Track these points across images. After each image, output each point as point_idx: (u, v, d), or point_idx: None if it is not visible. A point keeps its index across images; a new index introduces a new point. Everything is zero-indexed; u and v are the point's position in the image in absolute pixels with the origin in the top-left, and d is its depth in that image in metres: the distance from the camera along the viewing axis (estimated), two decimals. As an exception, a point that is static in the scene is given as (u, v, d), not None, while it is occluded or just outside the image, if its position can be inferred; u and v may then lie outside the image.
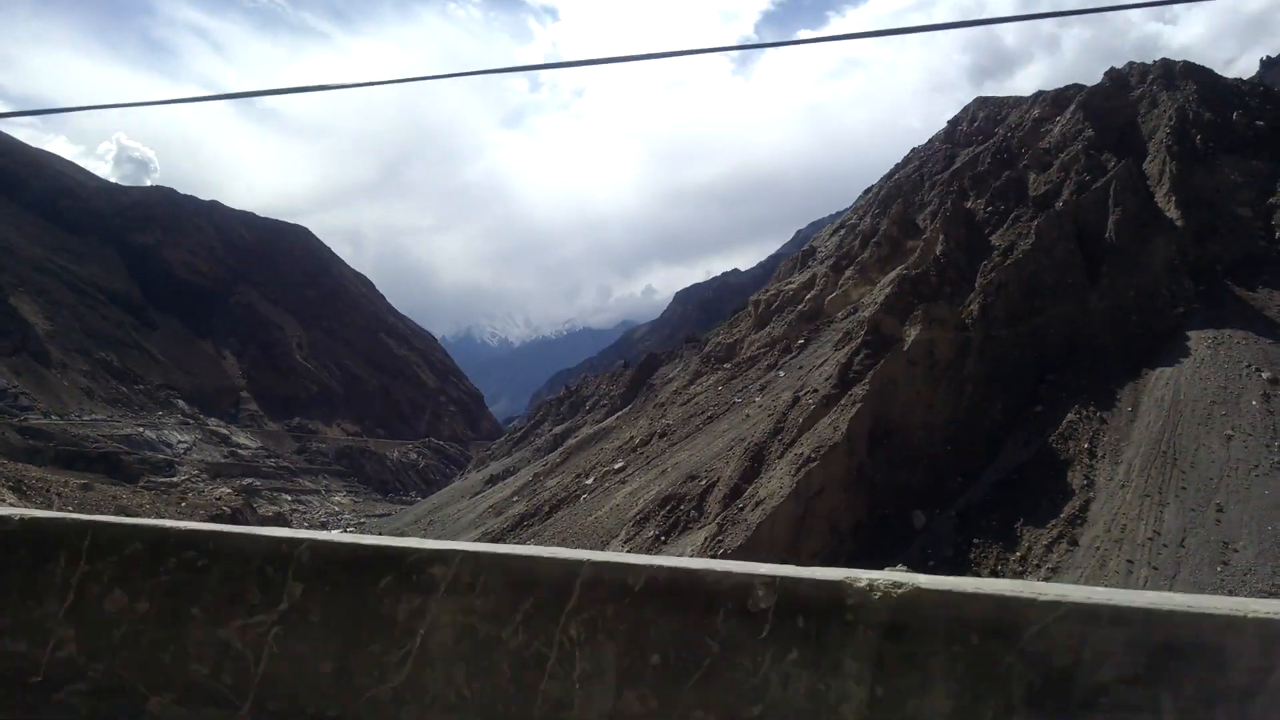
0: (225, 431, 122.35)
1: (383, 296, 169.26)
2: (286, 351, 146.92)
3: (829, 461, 36.79)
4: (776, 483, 37.21)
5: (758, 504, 36.68)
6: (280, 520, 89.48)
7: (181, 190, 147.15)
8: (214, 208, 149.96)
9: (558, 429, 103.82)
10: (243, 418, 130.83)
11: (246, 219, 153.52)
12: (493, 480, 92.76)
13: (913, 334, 40.63)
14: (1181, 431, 38.28)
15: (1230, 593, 31.76)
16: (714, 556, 35.27)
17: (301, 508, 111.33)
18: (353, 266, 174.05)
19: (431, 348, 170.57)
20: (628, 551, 40.14)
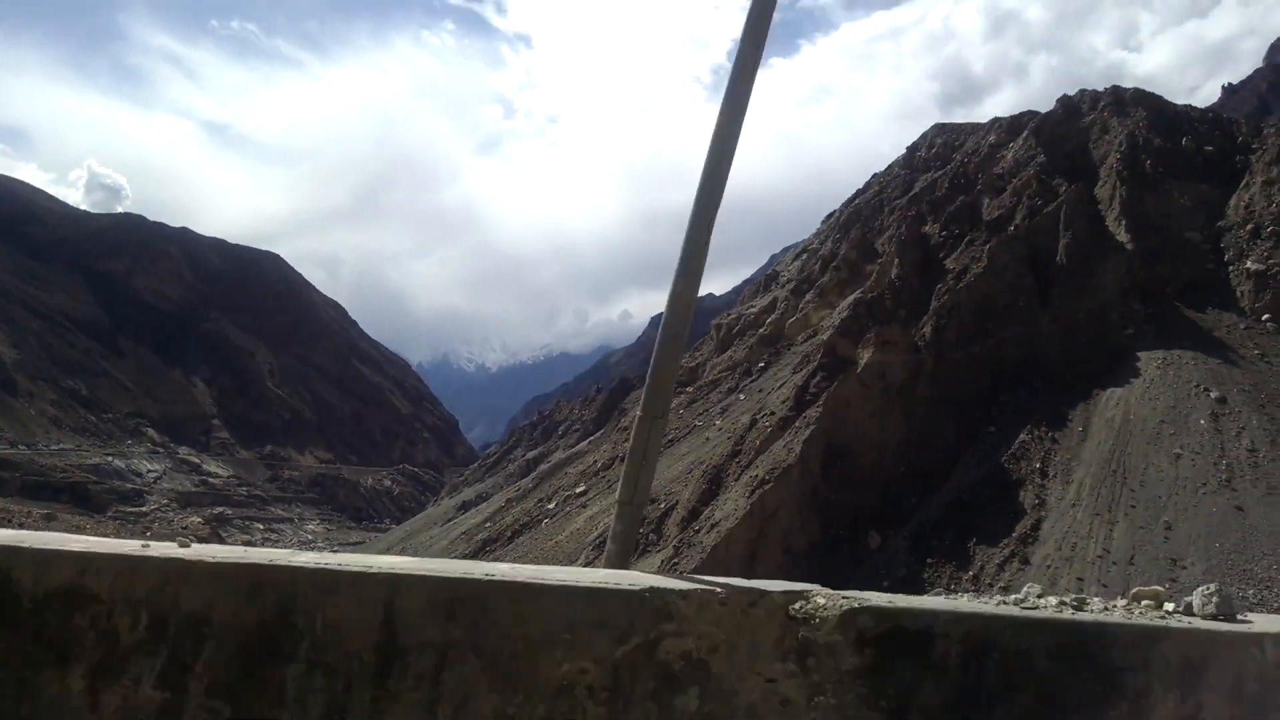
0: (196, 460, 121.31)
1: (355, 323, 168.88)
2: (258, 378, 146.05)
3: (783, 483, 37.12)
4: (731, 505, 37.51)
5: (713, 526, 36.94)
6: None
7: (154, 217, 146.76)
8: (184, 234, 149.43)
9: (531, 454, 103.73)
10: (214, 446, 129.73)
11: (217, 245, 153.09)
12: (465, 506, 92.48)
13: (865, 356, 41.14)
14: (1131, 450, 38.87)
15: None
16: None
17: (274, 536, 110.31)
18: (328, 292, 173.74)
19: (405, 374, 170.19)
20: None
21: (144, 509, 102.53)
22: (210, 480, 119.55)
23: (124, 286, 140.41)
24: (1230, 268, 48.31)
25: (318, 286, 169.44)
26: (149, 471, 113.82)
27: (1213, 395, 40.38)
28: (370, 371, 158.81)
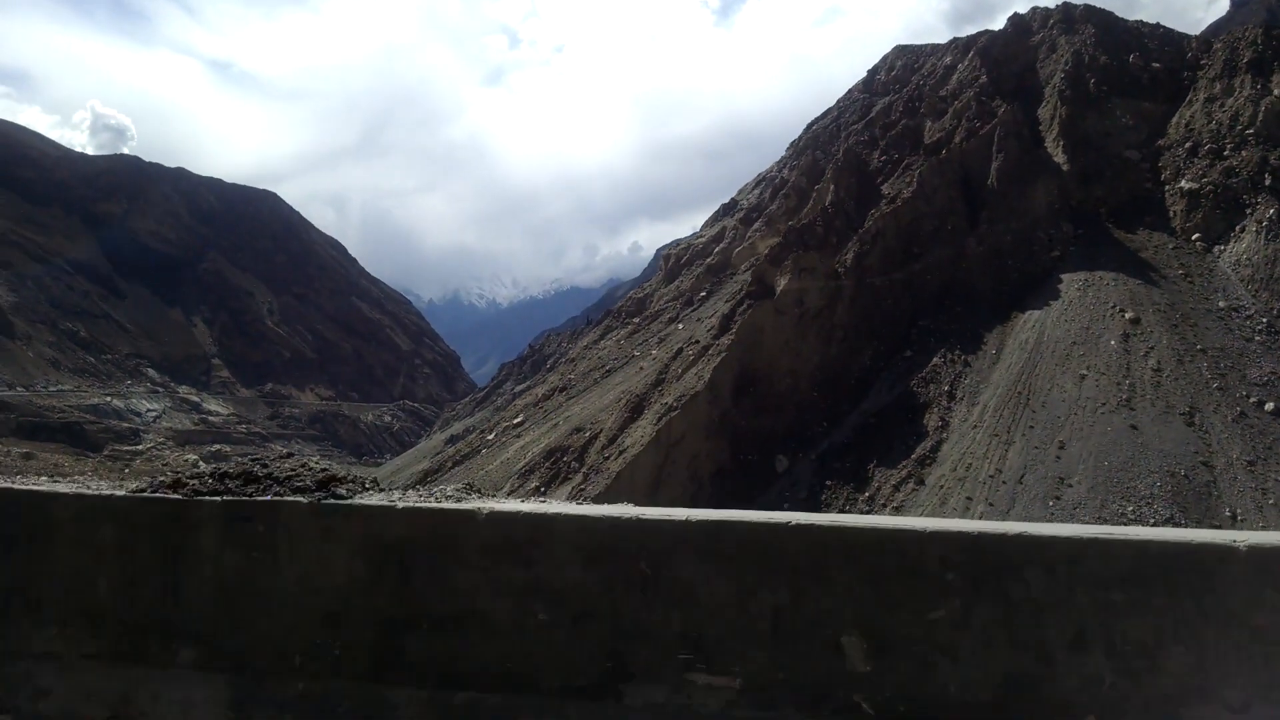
0: (196, 399, 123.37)
1: (355, 260, 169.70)
2: (257, 318, 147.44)
3: (690, 410, 37.84)
4: (640, 432, 38.32)
5: (621, 453, 37.79)
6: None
7: (161, 157, 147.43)
8: (180, 175, 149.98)
9: (519, 388, 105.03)
10: (214, 385, 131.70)
11: (214, 185, 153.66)
12: (453, 440, 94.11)
13: (782, 283, 41.46)
14: (1039, 372, 39.21)
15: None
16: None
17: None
18: (336, 231, 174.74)
19: (405, 310, 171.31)
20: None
21: (139, 447, 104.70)
22: (210, 419, 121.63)
23: (121, 228, 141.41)
24: (1166, 187, 47.88)
25: (326, 225, 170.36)
26: (148, 411, 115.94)
27: (1127, 316, 40.49)
28: (370, 308, 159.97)
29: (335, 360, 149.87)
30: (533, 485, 41.34)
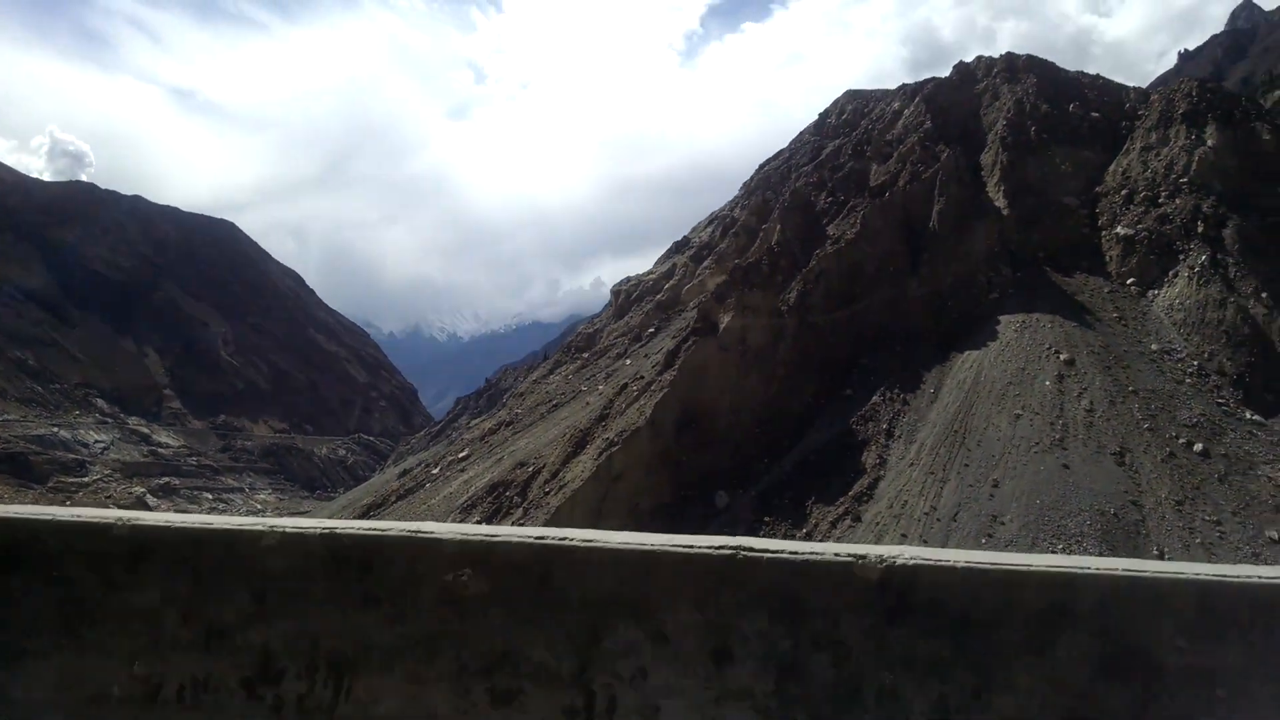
0: (146, 430, 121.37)
1: (313, 291, 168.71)
2: (211, 348, 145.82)
3: (631, 445, 37.97)
4: (581, 467, 38.35)
5: (561, 488, 37.78)
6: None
7: (120, 184, 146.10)
8: (136, 202, 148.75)
9: (475, 422, 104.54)
10: (165, 416, 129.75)
11: (170, 214, 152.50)
12: (406, 474, 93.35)
13: (725, 320, 41.88)
14: (975, 411, 39.81)
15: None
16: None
17: (223, 505, 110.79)
18: (297, 262, 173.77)
19: (363, 342, 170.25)
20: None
21: (85, 479, 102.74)
22: (159, 450, 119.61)
23: (75, 256, 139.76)
24: (1103, 233, 49.11)
25: (287, 256, 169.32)
26: (96, 442, 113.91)
27: (1062, 357, 41.30)
28: (327, 340, 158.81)
29: (290, 392, 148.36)
30: (474, 520, 41.12)
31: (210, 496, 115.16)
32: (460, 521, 41.99)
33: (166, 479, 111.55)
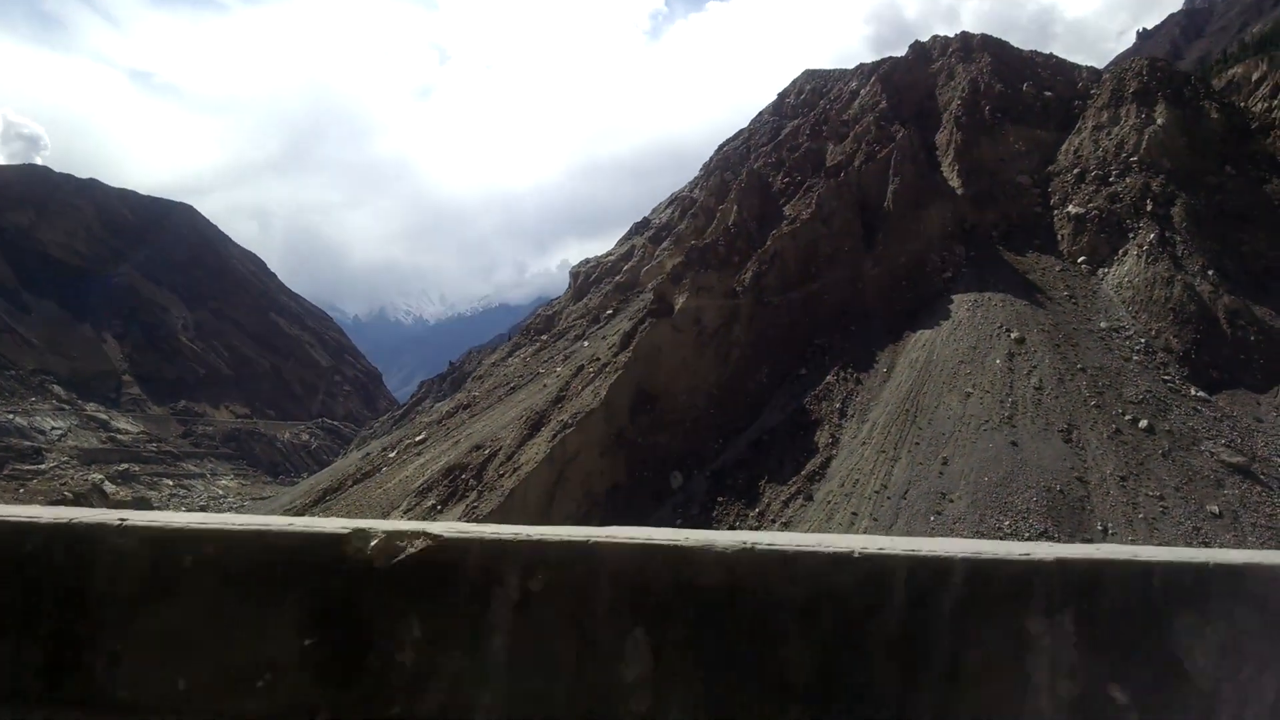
0: (104, 416, 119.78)
1: (274, 275, 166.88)
2: (171, 333, 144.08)
3: (585, 427, 37.94)
4: (535, 449, 38.28)
5: (515, 470, 37.70)
6: (140, 505, 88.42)
7: (77, 168, 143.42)
8: (92, 185, 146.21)
9: (438, 405, 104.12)
10: (125, 402, 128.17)
11: (128, 197, 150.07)
12: (365, 458, 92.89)
13: (680, 302, 41.87)
14: (927, 390, 40.13)
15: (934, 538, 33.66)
16: (468, 522, 36.34)
17: (183, 492, 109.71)
18: (260, 246, 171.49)
19: (326, 326, 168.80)
20: (403, 520, 40.99)
21: (41, 467, 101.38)
22: (118, 437, 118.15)
23: (29, 240, 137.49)
24: (1055, 211, 49.54)
25: (249, 239, 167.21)
26: (52, 429, 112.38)
27: (1013, 335, 41.71)
28: (289, 324, 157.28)
29: (252, 377, 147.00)
30: (429, 504, 41.03)
31: (170, 483, 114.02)
32: (415, 505, 41.89)
33: (125, 465, 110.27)
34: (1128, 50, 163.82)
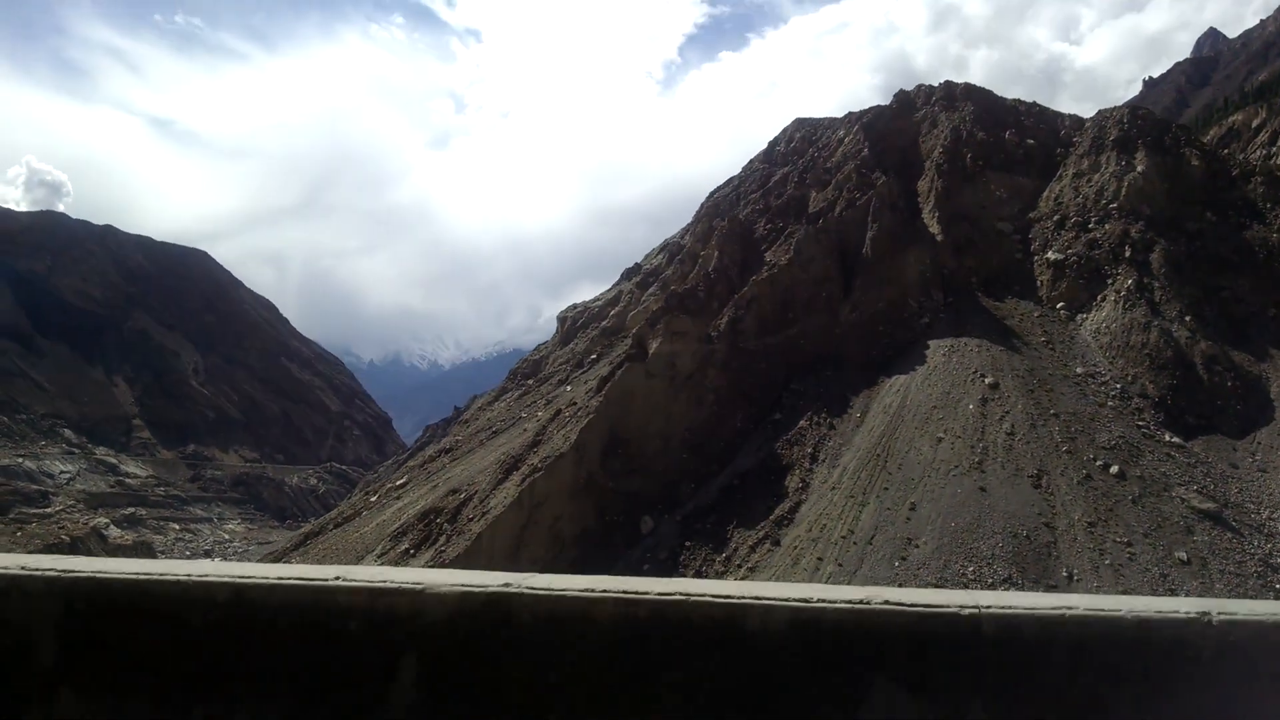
0: (113, 460, 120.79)
1: (286, 320, 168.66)
2: (182, 378, 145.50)
3: (554, 471, 38.12)
4: (505, 494, 38.46)
5: (484, 514, 37.87)
6: (143, 549, 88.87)
7: (98, 214, 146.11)
8: (108, 232, 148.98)
9: (440, 448, 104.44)
10: (134, 446, 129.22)
11: (142, 243, 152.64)
12: (350, 503, 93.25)
13: (654, 346, 42.18)
14: (899, 435, 40.11)
15: (900, 585, 33.45)
16: (434, 567, 36.45)
17: (189, 536, 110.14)
18: (275, 291, 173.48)
19: (337, 371, 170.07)
20: (378, 564, 41.14)
21: (48, 510, 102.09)
22: (127, 481, 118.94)
23: (45, 286, 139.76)
24: (1035, 258, 49.73)
25: (265, 285, 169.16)
26: (61, 473, 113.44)
27: (987, 381, 41.71)
28: (300, 369, 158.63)
29: (262, 421, 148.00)
30: (403, 548, 41.18)
31: (177, 527, 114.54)
32: (390, 549, 42.05)
33: (133, 509, 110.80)
34: (1135, 98, 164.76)
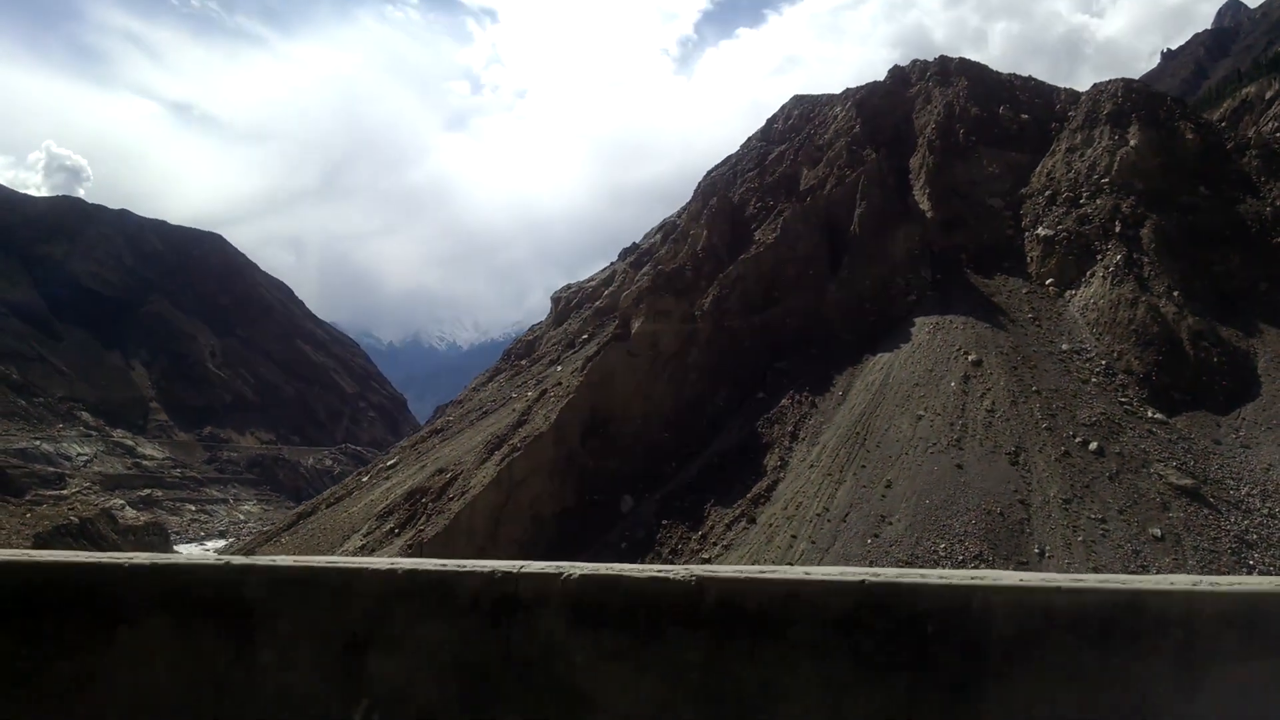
0: (130, 443, 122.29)
1: (301, 303, 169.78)
2: (199, 361, 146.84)
3: (533, 451, 38.40)
4: (484, 473, 38.80)
5: (463, 494, 38.23)
6: (156, 530, 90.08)
7: (119, 198, 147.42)
8: (124, 216, 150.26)
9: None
10: (151, 428, 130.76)
11: (158, 227, 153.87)
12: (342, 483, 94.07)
13: (636, 326, 42.29)
14: (880, 413, 40.08)
15: (870, 563, 33.50)
16: (413, 547, 36.93)
17: (205, 517, 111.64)
18: (293, 274, 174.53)
19: (352, 353, 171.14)
20: (361, 545, 41.69)
21: (64, 492, 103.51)
22: (143, 463, 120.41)
23: (62, 270, 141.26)
24: (1026, 234, 49.33)
25: (284, 267, 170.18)
26: (79, 455, 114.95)
27: (970, 358, 41.55)
28: (315, 351, 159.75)
29: (278, 403, 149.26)
30: (388, 527, 41.67)
31: (193, 508, 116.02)
32: (376, 529, 42.56)
33: (148, 491, 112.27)
34: (1153, 70, 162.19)
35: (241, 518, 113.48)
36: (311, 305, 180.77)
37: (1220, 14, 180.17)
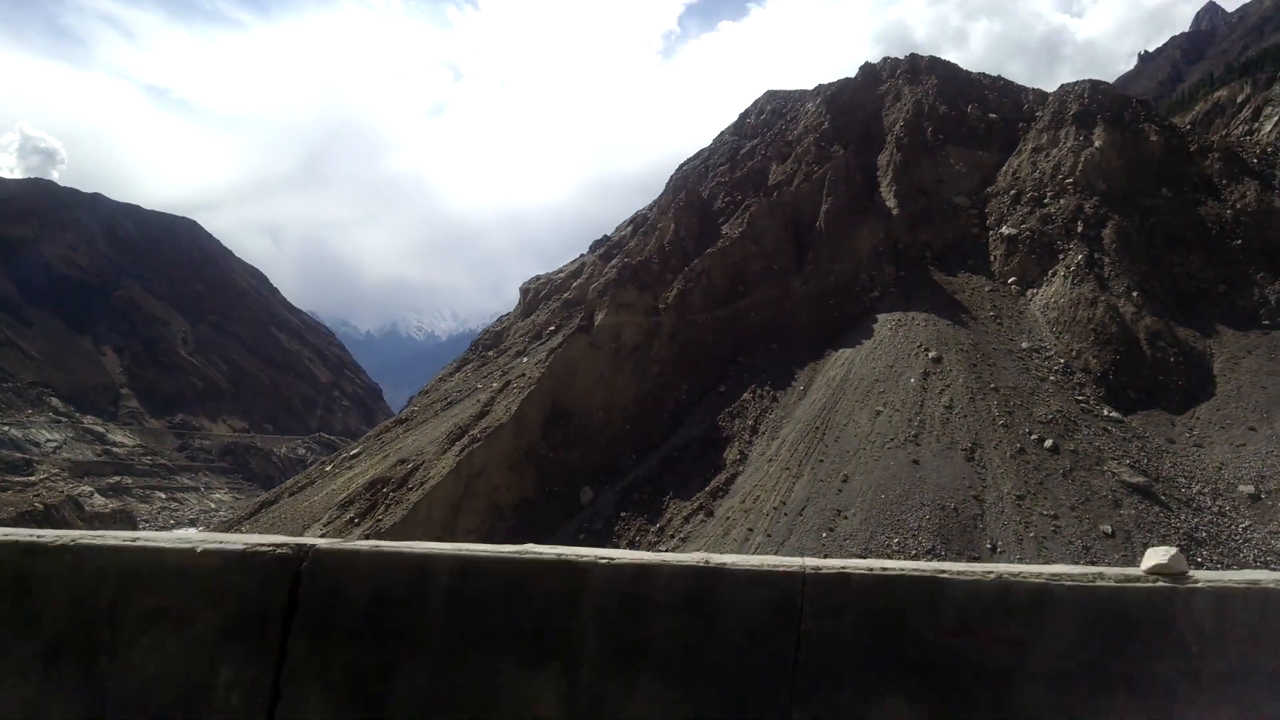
0: (101, 429, 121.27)
1: (276, 290, 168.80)
2: (171, 347, 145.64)
3: (493, 441, 38.40)
4: (444, 464, 38.78)
5: (423, 484, 38.20)
6: (123, 517, 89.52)
7: (93, 182, 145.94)
8: (96, 200, 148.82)
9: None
10: (122, 415, 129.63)
11: (131, 212, 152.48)
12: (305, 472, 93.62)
13: (599, 318, 42.33)
14: (840, 408, 40.32)
15: (825, 556, 33.74)
16: (370, 536, 36.83)
17: (175, 505, 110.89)
18: (271, 261, 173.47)
19: (327, 342, 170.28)
20: (321, 535, 41.56)
21: (31, 479, 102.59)
22: (114, 450, 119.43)
23: (32, 254, 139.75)
24: (990, 232, 49.68)
25: (261, 254, 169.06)
26: (47, 441, 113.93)
27: (930, 354, 41.84)
28: (289, 339, 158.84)
29: (251, 391, 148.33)
30: (348, 517, 41.54)
31: (163, 496, 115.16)
32: (336, 518, 42.44)
33: (118, 478, 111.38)
34: (1130, 72, 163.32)
35: (213, 506, 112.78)
36: (289, 293, 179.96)
37: (1198, 17, 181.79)
